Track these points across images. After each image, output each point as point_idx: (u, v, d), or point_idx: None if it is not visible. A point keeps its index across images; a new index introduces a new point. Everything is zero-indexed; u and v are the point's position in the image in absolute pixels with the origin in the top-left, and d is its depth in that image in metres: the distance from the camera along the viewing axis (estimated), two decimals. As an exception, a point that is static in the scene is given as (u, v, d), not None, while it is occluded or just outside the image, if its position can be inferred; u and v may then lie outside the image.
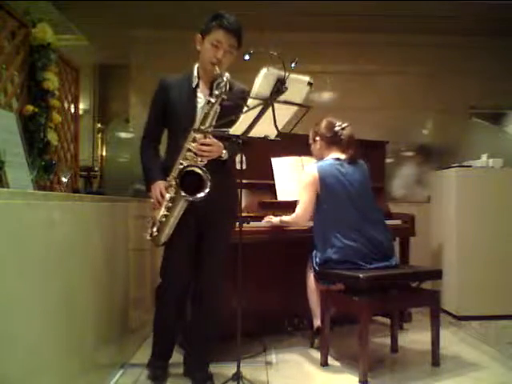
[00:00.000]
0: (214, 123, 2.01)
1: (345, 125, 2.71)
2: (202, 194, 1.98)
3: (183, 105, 2.13)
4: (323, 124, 2.74)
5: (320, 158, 2.75)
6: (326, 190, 2.59)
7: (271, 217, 2.78)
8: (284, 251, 2.97)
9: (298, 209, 2.68)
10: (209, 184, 1.98)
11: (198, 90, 2.17)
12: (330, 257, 2.54)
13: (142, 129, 2.27)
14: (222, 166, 2.12)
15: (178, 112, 2.13)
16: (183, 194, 1.97)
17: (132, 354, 2.57)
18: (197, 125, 2.03)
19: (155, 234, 2.08)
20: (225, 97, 1.99)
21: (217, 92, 2.00)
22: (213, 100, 2.00)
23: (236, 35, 2.09)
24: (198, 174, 2.00)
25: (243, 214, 2.28)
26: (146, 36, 4.78)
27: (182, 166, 2.01)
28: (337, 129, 2.69)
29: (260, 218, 2.79)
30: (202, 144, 2.02)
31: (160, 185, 2.08)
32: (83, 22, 4.63)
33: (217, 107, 2.01)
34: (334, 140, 2.70)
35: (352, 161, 2.66)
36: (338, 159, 2.66)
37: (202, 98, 2.15)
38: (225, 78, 2.01)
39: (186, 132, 2.07)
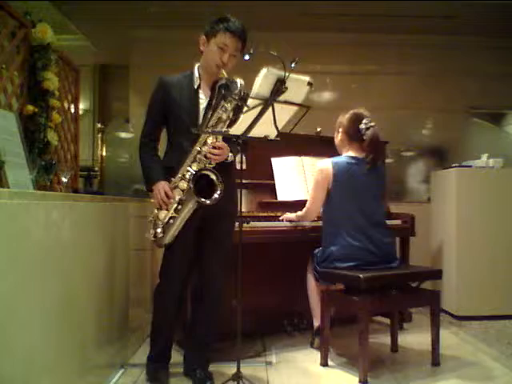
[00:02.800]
0: (225, 127, 2.02)
1: (371, 124, 2.55)
2: (215, 197, 1.99)
3: (185, 105, 2.14)
4: (348, 116, 2.63)
5: (339, 150, 2.70)
6: (337, 186, 2.55)
7: (288, 215, 2.80)
8: (284, 251, 2.97)
9: (308, 203, 2.70)
10: (221, 187, 1.99)
11: (200, 90, 2.17)
12: (332, 252, 2.54)
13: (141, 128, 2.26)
14: (226, 168, 2.12)
15: (179, 112, 2.13)
16: (202, 198, 1.98)
17: (132, 354, 2.57)
18: (208, 128, 2.02)
19: (160, 235, 2.07)
20: (239, 103, 1.98)
21: (231, 98, 2.00)
22: (228, 105, 2.01)
23: (242, 39, 2.10)
24: (209, 176, 2.00)
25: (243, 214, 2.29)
26: (146, 36, 4.78)
27: (194, 170, 2.01)
28: (361, 126, 2.56)
29: (260, 218, 2.79)
30: (214, 147, 2.03)
31: (164, 186, 2.07)
32: (83, 22, 4.63)
33: (230, 112, 2.01)
34: (356, 137, 2.58)
35: (370, 164, 2.55)
36: (354, 158, 2.58)
37: (203, 99, 2.16)
38: (239, 85, 2.01)
39: (188, 132, 2.07)
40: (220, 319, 2.28)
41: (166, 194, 2.05)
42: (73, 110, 2.93)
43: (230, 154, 2.11)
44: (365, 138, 2.55)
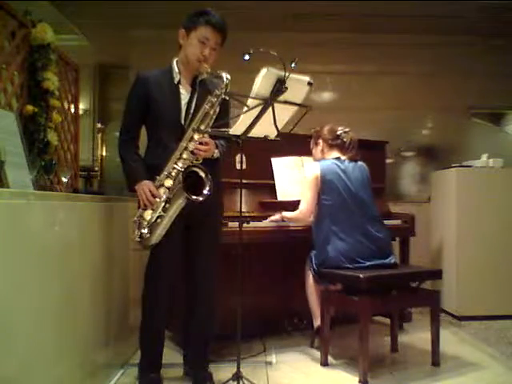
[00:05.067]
0: (211, 123, 2.01)
1: (347, 129, 2.79)
2: (205, 194, 1.96)
3: (166, 101, 2.10)
4: (326, 128, 2.81)
5: (321, 160, 2.77)
6: (326, 186, 2.62)
7: (274, 217, 2.79)
8: (284, 251, 2.96)
9: (302, 206, 2.71)
10: (210, 184, 1.97)
11: (180, 85, 2.14)
12: (328, 253, 2.54)
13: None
14: (212, 165, 2.09)
15: (161, 109, 2.09)
16: (193, 196, 1.95)
17: (132, 354, 2.57)
18: (195, 124, 2.01)
19: (147, 235, 2.00)
20: (227, 97, 1.99)
21: (217, 92, 1.99)
22: (214, 100, 2.00)
23: (223, 33, 2.09)
24: (197, 173, 1.99)
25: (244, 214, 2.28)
26: (146, 36, 4.78)
27: (183, 167, 1.98)
28: (339, 132, 2.77)
29: (260, 218, 2.79)
30: (200, 143, 2.01)
31: (149, 184, 2.02)
32: (83, 22, 4.63)
33: (217, 107, 2.01)
34: (336, 143, 2.76)
35: (352, 160, 2.73)
36: (338, 159, 2.71)
37: (184, 94, 2.13)
38: (225, 80, 1.99)
39: (171, 128, 2.06)
40: (217, 318, 2.27)
41: (151, 192, 2.00)
42: (73, 110, 2.93)
43: (216, 151, 2.09)
44: (345, 139, 2.74)
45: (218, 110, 2.01)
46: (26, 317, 1.44)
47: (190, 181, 1.97)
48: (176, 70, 2.14)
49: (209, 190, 1.97)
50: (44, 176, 2.23)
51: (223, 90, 1.99)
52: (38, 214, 1.55)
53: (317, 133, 2.85)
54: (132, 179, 2.09)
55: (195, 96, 2.11)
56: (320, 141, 2.82)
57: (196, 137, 2.01)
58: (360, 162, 2.76)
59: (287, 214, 2.77)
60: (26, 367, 1.43)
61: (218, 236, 2.26)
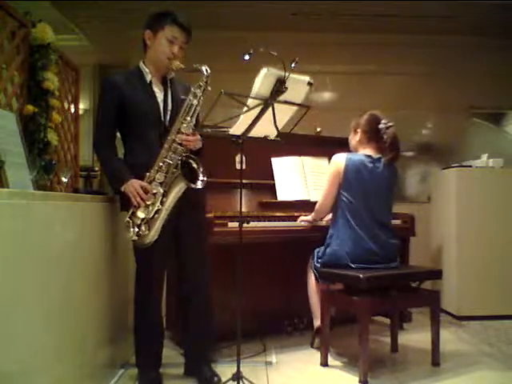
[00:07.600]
0: (196, 115, 2.04)
1: (390, 124, 2.55)
2: (202, 180, 1.98)
3: (143, 101, 2.11)
4: (366, 117, 2.62)
5: (355, 151, 2.66)
6: (347, 183, 2.53)
7: (304, 218, 2.81)
8: (284, 251, 2.96)
9: (321, 198, 2.70)
10: (203, 172, 1.99)
11: (153, 85, 2.16)
12: (335, 248, 2.53)
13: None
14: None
15: (140, 108, 2.10)
16: (197, 184, 1.97)
17: (132, 354, 2.56)
18: (182, 116, 2.03)
19: (145, 232, 1.99)
20: (209, 88, 2.01)
21: (201, 83, 2.02)
22: (197, 91, 2.02)
23: (189, 32, 2.15)
24: (189, 164, 2.02)
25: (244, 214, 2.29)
26: (146, 36, 4.78)
27: (171, 160, 2.00)
28: (381, 126, 2.55)
29: (260, 218, 2.79)
30: (187, 134, 2.03)
31: (139, 181, 2.01)
32: (83, 22, 4.64)
33: (201, 99, 2.03)
34: (374, 137, 2.57)
35: (387, 163, 2.55)
36: (369, 156, 2.56)
37: (158, 92, 2.16)
38: (205, 72, 2.01)
39: (152, 126, 2.09)
40: (215, 315, 2.27)
41: (143, 188, 1.99)
42: (73, 110, 2.93)
43: (199, 141, 2.12)
44: (385, 136, 2.54)
45: (201, 101, 2.03)
46: (25, 317, 1.44)
47: (183, 172, 1.99)
48: (146, 70, 2.16)
49: (203, 177, 1.99)
50: (44, 176, 2.23)
51: (205, 82, 2.01)
52: (38, 214, 1.55)
53: (357, 119, 2.65)
54: (118, 180, 2.08)
55: (169, 93, 2.17)
56: (358, 130, 2.62)
57: (184, 129, 2.03)
58: (393, 166, 2.60)
59: (313, 214, 2.77)
60: (25, 367, 1.43)
61: (205, 231, 2.30)
